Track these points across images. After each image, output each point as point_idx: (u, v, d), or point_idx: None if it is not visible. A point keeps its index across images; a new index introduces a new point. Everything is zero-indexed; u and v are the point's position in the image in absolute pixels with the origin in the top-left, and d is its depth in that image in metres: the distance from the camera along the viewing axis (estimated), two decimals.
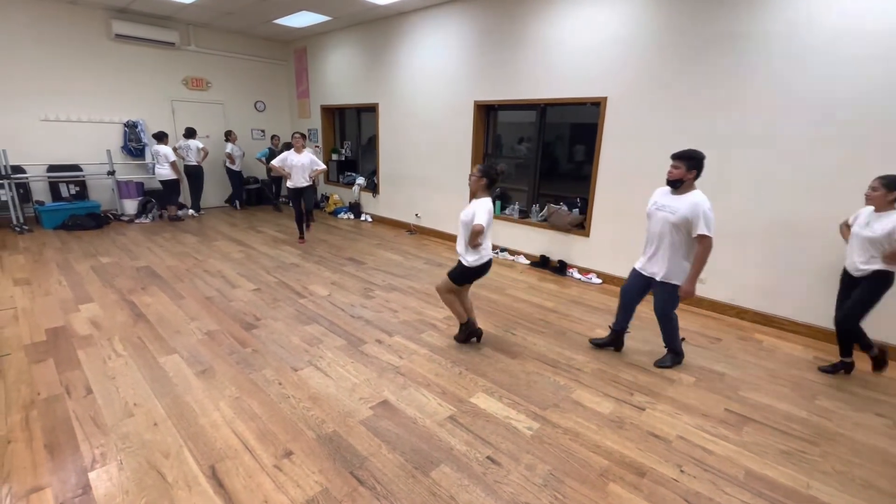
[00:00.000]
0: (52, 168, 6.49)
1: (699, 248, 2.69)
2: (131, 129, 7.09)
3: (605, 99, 4.47)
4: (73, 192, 6.71)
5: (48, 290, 3.99)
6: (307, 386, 2.67)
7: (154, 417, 2.33)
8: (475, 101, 5.65)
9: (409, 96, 6.56)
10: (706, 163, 2.77)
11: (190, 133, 7.16)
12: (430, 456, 2.12)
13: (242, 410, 2.41)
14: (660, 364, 3.08)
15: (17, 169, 6.12)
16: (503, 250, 5.71)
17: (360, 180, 7.87)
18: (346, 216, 7.93)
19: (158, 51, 7.18)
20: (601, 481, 2.01)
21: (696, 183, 2.77)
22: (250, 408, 2.44)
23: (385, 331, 3.45)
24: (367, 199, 7.88)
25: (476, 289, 4.46)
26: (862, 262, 2.77)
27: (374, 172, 7.61)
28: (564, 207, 5.18)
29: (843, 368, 3.06)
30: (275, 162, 5.64)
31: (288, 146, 6.04)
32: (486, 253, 2.99)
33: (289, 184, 5.63)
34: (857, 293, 2.82)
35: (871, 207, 2.77)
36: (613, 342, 3.26)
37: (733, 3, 3.61)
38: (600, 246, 4.84)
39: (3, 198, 5.94)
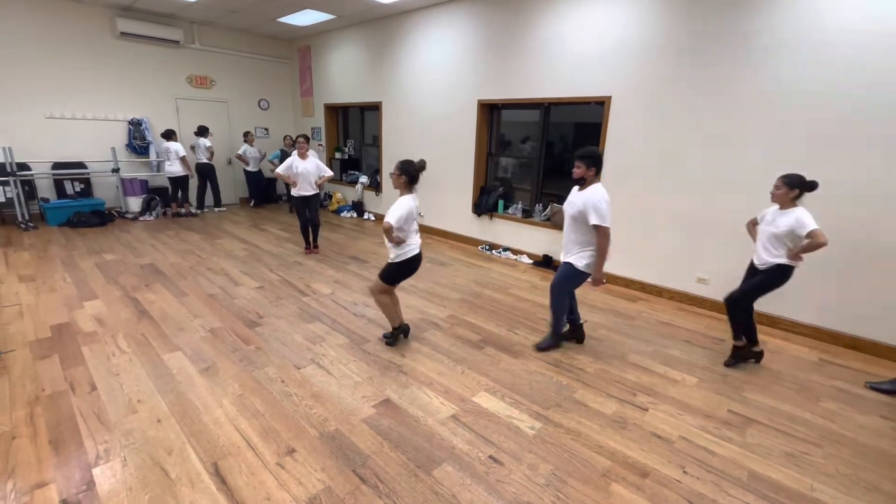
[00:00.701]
0: (56, 165, 6.52)
1: (598, 238, 2.85)
2: (136, 126, 7.11)
3: (609, 98, 4.46)
4: (77, 189, 6.74)
5: (53, 287, 4.01)
6: (310, 384, 2.67)
7: (157, 414, 2.34)
8: (479, 100, 5.64)
9: (412, 95, 6.55)
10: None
11: (202, 131, 7.21)
12: (432, 455, 2.13)
13: (245, 408, 2.42)
14: (539, 346, 3.22)
15: (23, 166, 6.16)
16: (506, 249, 5.70)
17: (364, 179, 7.87)
18: (349, 214, 7.94)
19: (163, 49, 7.20)
20: (604, 482, 2.01)
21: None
22: (253, 405, 2.44)
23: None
24: (370, 198, 7.88)
25: (478, 288, 4.46)
26: (768, 256, 2.91)
27: (378, 171, 7.61)
28: None
29: (752, 357, 3.16)
30: (279, 170, 5.16)
31: (308, 139, 5.59)
32: (408, 249, 2.94)
33: (294, 192, 5.23)
34: (756, 279, 2.98)
35: (777, 205, 2.90)
36: (574, 334, 3.35)
37: (738, 3, 3.59)
38: None
39: (9, 195, 5.97)
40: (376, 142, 7.48)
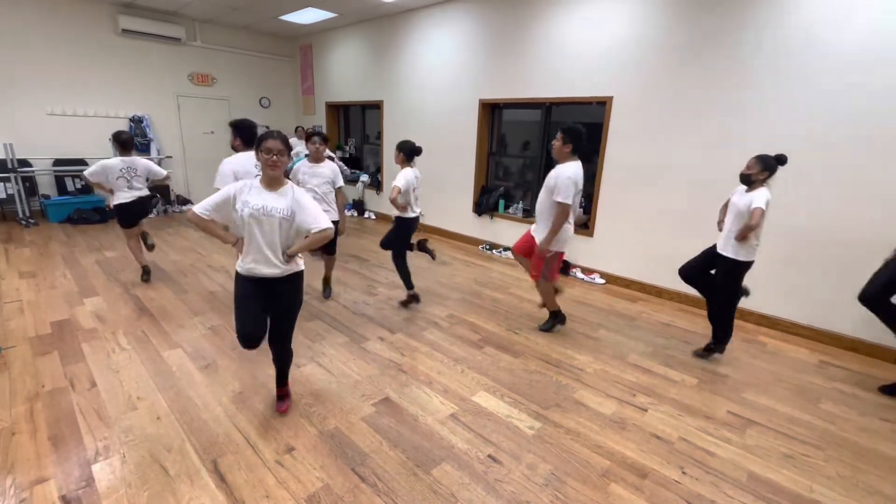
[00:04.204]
0: (58, 162, 6.52)
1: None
2: (137, 123, 7.11)
3: (611, 98, 4.45)
4: (78, 186, 6.74)
5: (53, 284, 4.02)
6: (309, 382, 2.67)
7: (157, 411, 2.34)
8: (480, 100, 5.63)
9: (414, 94, 6.55)
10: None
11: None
12: (431, 454, 2.13)
13: (245, 406, 2.42)
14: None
15: (24, 163, 6.16)
16: (506, 249, 5.70)
17: (364, 177, 7.87)
18: (349, 213, 7.93)
19: (164, 46, 7.20)
20: (602, 482, 2.01)
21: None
22: (253, 403, 2.44)
23: (387, 328, 3.45)
24: (370, 197, 7.88)
25: (479, 287, 4.46)
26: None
27: (379, 170, 7.61)
28: None
29: (414, 300, 3.88)
30: (205, 208, 2.08)
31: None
32: (117, 196, 3.89)
33: (241, 265, 2.14)
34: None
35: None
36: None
37: (741, 3, 3.58)
38: (604, 246, 4.82)
39: (10, 191, 5.98)
40: (380, 137, 7.41)
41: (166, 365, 2.79)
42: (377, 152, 7.67)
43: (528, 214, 5.62)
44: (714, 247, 3.05)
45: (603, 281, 4.79)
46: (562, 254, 3.28)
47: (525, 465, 2.09)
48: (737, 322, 3.92)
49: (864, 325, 3.38)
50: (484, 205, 5.90)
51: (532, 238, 3.29)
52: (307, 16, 6.78)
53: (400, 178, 3.43)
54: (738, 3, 3.60)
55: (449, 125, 6.11)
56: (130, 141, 4.01)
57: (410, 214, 3.58)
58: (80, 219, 6.28)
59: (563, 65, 4.78)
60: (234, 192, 2.07)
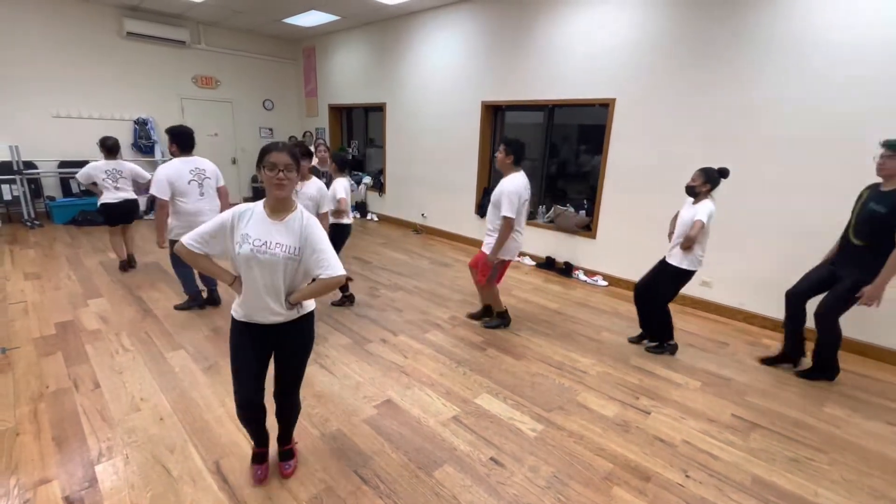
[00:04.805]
0: (63, 164, 6.55)
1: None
2: (141, 126, 7.15)
3: (614, 100, 4.45)
4: (82, 188, 6.77)
5: (58, 285, 4.04)
6: (311, 384, 2.67)
7: (160, 412, 2.34)
8: (482, 102, 5.64)
9: (416, 96, 6.56)
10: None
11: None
12: (433, 456, 2.12)
13: None
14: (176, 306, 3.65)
15: (29, 165, 6.20)
16: None
17: (367, 179, 7.89)
18: (352, 214, 7.94)
19: (169, 49, 7.24)
20: (605, 485, 2.00)
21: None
22: None
23: (390, 330, 3.45)
24: (373, 199, 7.89)
25: None
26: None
27: (381, 171, 7.62)
28: (571, 209, 5.16)
29: (347, 300, 3.90)
30: (195, 240, 1.68)
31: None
32: (101, 198, 4.26)
33: (238, 309, 1.73)
34: None
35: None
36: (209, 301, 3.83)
37: (743, 5, 3.58)
38: (607, 248, 4.82)
39: (15, 193, 6.02)
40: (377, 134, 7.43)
41: (169, 366, 2.80)
42: (380, 154, 7.68)
43: (531, 217, 5.61)
44: (663, 259, 3.17)
45: (605, 283, 4.78)
46: (508, 261, 3.39)
47: (527, 467, 2.08)
48: (741, 325, 3.91)
49: (870, 328, 3.36)
50: (486, 206, 5.89)
51: (483, 254, 3.35)
52: (310, 18, 6.81)
53: (340, 188, 3.58)
54: (739, 4, 3.60)
55: (451, 127, 6.12)
56: (116, 146, 4.33)
57: (346, 221, 3.71)
58: (85, 220, 6.32)
59: (565, 67, 4.78)
60: (231, 220, 1.65)
